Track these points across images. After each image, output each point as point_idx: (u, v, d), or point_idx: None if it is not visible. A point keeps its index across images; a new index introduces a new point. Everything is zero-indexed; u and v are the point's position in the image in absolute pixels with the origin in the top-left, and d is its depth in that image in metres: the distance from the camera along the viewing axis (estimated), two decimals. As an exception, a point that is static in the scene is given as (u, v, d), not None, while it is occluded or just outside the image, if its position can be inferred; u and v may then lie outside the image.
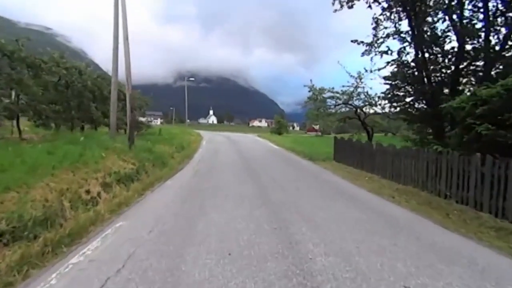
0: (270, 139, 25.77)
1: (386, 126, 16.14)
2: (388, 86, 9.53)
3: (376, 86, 14.54)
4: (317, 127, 40.99)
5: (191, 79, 37.95)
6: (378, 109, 14.02)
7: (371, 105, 13.91)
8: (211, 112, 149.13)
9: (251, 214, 4.42)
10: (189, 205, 4.96)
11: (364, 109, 14.48)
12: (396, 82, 9.27)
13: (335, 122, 15.80)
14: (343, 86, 14.28)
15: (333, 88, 14.27)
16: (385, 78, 9.46)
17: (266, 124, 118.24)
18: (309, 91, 14.40)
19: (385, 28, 9.56)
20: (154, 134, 19.69)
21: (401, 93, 9.27)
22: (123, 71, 9.86)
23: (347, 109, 14.96)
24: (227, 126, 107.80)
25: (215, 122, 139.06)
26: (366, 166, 8.86)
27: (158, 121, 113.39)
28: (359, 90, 13.84)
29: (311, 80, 14.53)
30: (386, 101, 11.08)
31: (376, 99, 13.68)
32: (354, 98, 14.12)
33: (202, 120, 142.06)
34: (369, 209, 4.90)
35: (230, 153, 13.83)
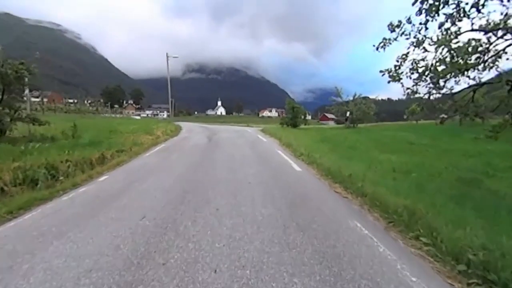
0: (281, 138, 14.15)
1: None
2: None
3: None
4: (347, 114, 29.72)
5: (174, 56, 28.09)
6: None
7: None
8: (219, 103, 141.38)
9: None
10: None
11: None
12: None
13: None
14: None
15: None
16: None
17: (276, 114, 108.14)
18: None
19: None
20: (56, 140, 9.63)
21: None
22: None
23: None
24: (235, 117, 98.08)
25: (224, 113, 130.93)
26: None
27: (165, 114, 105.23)
28: None
29: None
30: None
31: None
32: None
33: (210, 112, 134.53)
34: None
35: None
